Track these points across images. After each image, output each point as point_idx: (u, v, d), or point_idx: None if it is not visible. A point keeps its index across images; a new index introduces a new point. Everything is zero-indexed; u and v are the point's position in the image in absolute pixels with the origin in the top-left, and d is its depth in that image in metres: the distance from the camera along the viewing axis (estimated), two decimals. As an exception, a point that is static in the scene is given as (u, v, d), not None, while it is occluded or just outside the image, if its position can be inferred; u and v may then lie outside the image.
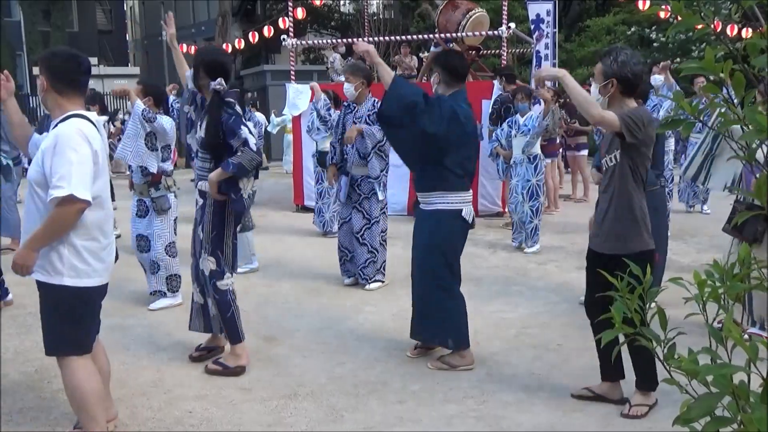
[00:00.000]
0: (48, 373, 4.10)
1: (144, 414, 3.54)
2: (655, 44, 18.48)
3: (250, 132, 3.95)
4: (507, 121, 7.59)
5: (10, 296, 5.48)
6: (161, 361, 4.26)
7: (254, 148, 3.90)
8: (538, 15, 11.20)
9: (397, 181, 9.67)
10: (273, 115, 15.39)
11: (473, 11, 10.42)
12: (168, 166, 5.40)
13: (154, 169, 5.25)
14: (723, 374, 1.34)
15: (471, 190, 4.13)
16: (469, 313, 4.24)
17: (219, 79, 3.90)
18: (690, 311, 1.64)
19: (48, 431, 3.40)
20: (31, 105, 20.13)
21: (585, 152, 10.65)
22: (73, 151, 2.81)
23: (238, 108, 4.01)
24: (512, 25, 9.84)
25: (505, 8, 9.86)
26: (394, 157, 9.84)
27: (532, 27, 10.95)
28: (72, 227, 2.89)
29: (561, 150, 10.28)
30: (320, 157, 7.88)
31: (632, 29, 19.35)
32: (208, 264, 4.03)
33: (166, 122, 5.30)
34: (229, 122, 3.90)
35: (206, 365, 4.10)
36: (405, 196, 9.74)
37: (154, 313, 5.26)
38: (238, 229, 4.21)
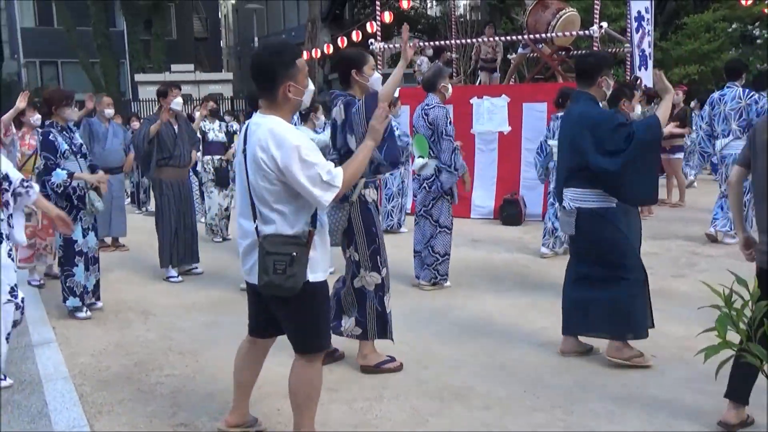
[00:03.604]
0: (146, 366, 4.30)
1: (235, 409, 3.63)
2: (758, 41, 17.56)
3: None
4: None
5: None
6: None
7: None
8: (639, 12, 10.73)
9: (483, 185, 9.60)
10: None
11: (563, 11, 10.19)
12: None
13: None
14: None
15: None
16: (557, 319, 4.17)
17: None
18: (801, 326, 1.54)
19: (145, 422, 3.55)
20: (133, 110, 21.13)
21: (680, 155, 10.21)
22: None
23: None
24: (604, 24, 9.55)
25: (597, 7, 9.59)
26: (480, 159, 9.75)
27: (636, 24, 10.48)
28: None
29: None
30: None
31: (733, 26, 18.44)
32: (372, 280, 4.07)
33: None
34: None
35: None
36: (491, 201, 9.63)
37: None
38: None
